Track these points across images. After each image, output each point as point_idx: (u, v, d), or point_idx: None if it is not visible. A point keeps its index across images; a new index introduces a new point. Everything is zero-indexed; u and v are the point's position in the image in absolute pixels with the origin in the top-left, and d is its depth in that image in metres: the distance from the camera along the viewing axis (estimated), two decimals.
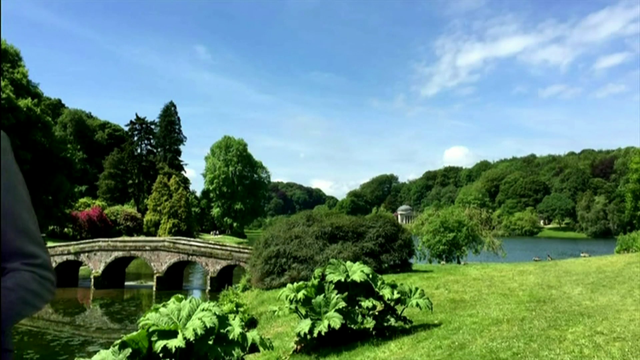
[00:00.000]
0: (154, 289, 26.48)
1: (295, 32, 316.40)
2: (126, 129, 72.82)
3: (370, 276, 6.42)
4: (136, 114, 69.94)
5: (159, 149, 75.53)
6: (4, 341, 1.19)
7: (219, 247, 28.01)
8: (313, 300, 6.20)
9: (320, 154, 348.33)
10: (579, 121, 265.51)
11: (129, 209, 61.09)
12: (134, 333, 4.64)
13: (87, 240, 29.82)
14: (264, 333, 7.52)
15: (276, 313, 6.79)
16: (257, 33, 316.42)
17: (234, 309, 12.40)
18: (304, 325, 6.04)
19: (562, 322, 5.82)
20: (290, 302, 6.38)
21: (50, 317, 20.40)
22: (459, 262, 19.48)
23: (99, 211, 52.54)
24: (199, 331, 4.50)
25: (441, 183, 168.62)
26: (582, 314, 6.19)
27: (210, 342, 4.73)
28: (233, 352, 4.75)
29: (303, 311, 6.33)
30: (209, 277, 26.35)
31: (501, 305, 7.82)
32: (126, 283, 29.06)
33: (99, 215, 51.85)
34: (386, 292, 6.30)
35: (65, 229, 46.51)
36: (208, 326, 4.60)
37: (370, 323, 6.34)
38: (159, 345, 4.42)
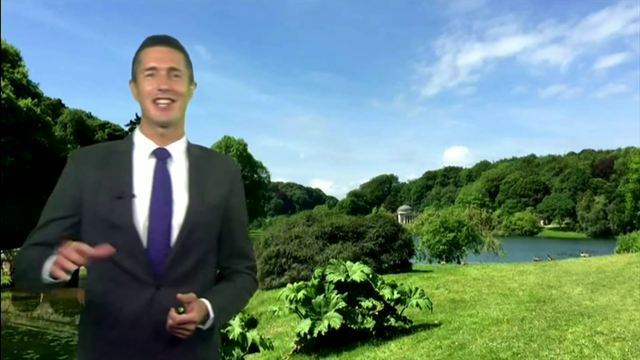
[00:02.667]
0: None
1: (295, 32, 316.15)
2: (126, 129, 72.70)
3: (370, 276, 6.42)
4: (136, 114, 69.76)
5: None
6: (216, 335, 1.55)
7: None
8: (313, 300, 6.20)
9: (320, 154, 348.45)
10: (579, 121, 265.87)
11: None
12: None
13: None
14: (264, 333, 7.52)
15: (276, 313, 6.78)
16: (257, 33, 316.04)
17: None
18: (304, 325, 6.04)
19: (562, 322, 5.83)
20: (290, 302, 6.38)
21: (50, 317, 20.39)
22: (459, 262, 19.49)
23: None
24: None
25: (441, 183, 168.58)
26: (582, 314, 6.19)
27: None
28: (233, 352, 4.75)
29: (303, 311, 6.33)
30: None
31: (501, 305, 7.82)
32: None
33: None
34: (386, 292, 6.30)
35: None
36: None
37: (370, 323, 6.34)
38: None
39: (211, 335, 1.51)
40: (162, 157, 1.47)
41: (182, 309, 1.33)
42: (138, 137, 1.51)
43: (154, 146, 1.48)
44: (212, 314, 1.41)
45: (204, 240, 1.46)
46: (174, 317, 1.31)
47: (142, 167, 1.45)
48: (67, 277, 1.22)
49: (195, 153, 1.54)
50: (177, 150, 1.50)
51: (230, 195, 1.55)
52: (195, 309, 1.33)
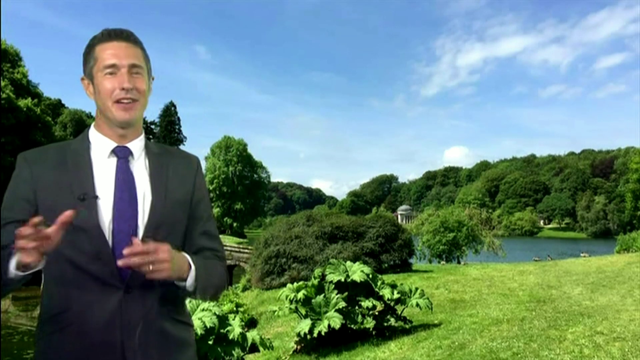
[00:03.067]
0: None
1: (295, 32, 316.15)
2: None
3: (370, 276, 6.42)
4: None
5: None
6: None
7: None
8: (313, 300, 6.19)
9: (320, 154, 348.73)
10: (579, 121, 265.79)
11: None
12: None
13: None
14: (264, 333, 7.52)
15: (276, 313, 6.79)
16: (257, 33, 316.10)
17: (234, 309, 12.39)
18: (304, 325, 6.04)
19: (562, 322, 5.82)
20: (290, 302, 6.38)
21: None
22: (459, 262, 19.48)
23: None
24: (199, 331, 4.50)
25: (441, 183, 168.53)
26: (582, 314, 6.19)
27: (210, 342, 4.74)
28: (233, 352, 4.75)
29: (303, 311, 6.33)
30: None
31: (501, 305, 7.82)
32: None
33: None
34: (386, 292, 6.30)
35: None
36: (208, 326, 4.61)
37: (370, 323, 6.34)
38: None
39: (188, 337, 1.46)
40: (122, 155, 1.42)
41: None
42: (94, 135, 1.44)
43: (113, 144, 1.42)
44: (192, 265, 1.33)
45: (170, 239, 1.37)
46: (133, 249, 1.19)
47: (102, 166, 1.40)
48: (37, 261, 1.13)
49: (154, 150, 1.51)
50: (137, 147, 1.45)
51: (195, 191, 1.52)
52: (169, 249, 1.25)
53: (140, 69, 1.41)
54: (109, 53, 1.38)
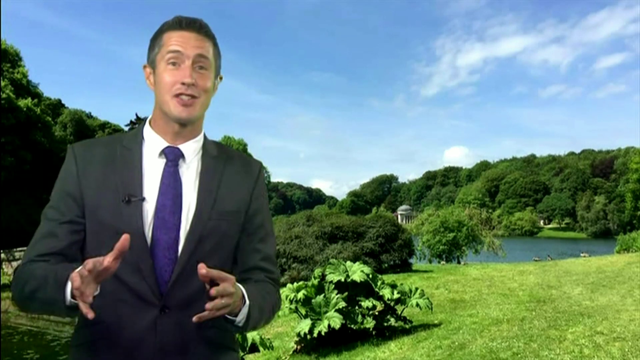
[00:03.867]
0: None
1: (295, 32, 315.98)
2: (126, 129, 72.67)
3: (370, 276, 6.42)
4: (136, 114, 69.46)
5: None
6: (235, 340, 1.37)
7: None
8: (313, 300, 6.19)
9: (320, 154, 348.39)
10: (579, 121, 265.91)
11: None
12: None
13: None
14: (264, 333, 7.51)
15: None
16: (257, 33, 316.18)
17: None
18: (304, 325, 6.04)
19: (562, 322, 5.83)
20: (290, 302, 6.38)
21: (50, 317, 20.39)
22: (459, 262, 19.49)
23: None
24: None
25: (441, 183, 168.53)
26: (582, 314, 6.19)
27: None
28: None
29: (303, 311, 6.33)
30: None
31: (501, 305, 7.82)
32: None
33: None
34: (386, 292, 6.30)
35: None
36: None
37: (370, 323, 6.34)
38: None
39: (234, 344, 1.34)
40: (172, 157, 1.28)
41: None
42: (148, 132, 1.32)
43: (165, 144, 1.29)
44: (247, 300, 1.17)
45: (216, 252, 1.26)
46: (207, 272, 1.04)
47: (151, 167, 1.27)
48: (95, 290, 1.03)
49: (212, 153, 1.36)
50: (191, 150, 1.31)
51: (252, 200, 1.36)
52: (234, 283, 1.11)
53: (207, 64, 1.27)
54: (176, 40, 1.25)
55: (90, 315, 0.99)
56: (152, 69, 1.30)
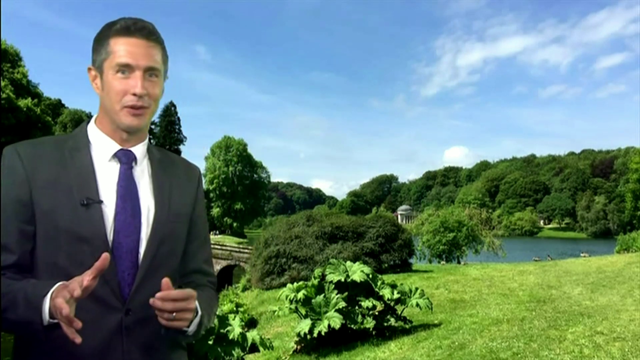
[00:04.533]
0: None
1: (295, 32, 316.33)
2: None
3: (370, 276, 6.42)
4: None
5: None
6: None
7: (219, 247, 28.01)
8: (313, 300, 6.19)
9: (320, 154, 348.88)
10: (579, 121, 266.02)
11: None
12: None
13: None
14: (264, 333, 7.52)
15: (276, 313, 6.79)
16: (257, 33, 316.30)
17: (234, 309, 12.40)
18: (304, 325, 6.04)
19: (562, 322, 5.83)
20: (290, 302, 6.38)
21: None
22: (459, 262, 19.48)
23: None
24: None
25: (441, 183, 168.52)
26: (582, 314, 6.19)
27: (210, 342, 4.74)
28: (233, 352, 4.75)
29: (303, 311, 6.33)
30: None
31: (501, 305, 7.82)
32: None
33: None
34: (386, 292, 6.30)
35: None
36: (208, 326, 4.60)
37: (370, 323, 6.34)
38: None
39: (181, 343, 1.34)
40: (126, 161, 1.26)
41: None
42: (95, 133, 1.27)
43: (116, 147, 1.26)
44: (199, 310, 1.21)
45: (173, 255, 1.29)
46: (171, 294, 1.09)
47: (103, 170, 1.23)
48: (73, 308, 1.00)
49: (156, 156, 1.35)
50: (140, 152, 1.30)
51: (196, 203, 1.39)
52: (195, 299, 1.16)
53: (157, 72, 1.24)
54: (125, 50, 1.20)
55: (78, 340, 0.97)
56: (98, 72, 1.25)
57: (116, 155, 1.26)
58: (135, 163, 1.28)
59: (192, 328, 1.20)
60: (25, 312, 1.05)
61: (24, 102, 32.60)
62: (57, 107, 53.62)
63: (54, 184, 1.17)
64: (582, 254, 18.54)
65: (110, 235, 1.18)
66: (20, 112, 32.05)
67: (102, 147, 1.26)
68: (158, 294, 1.09)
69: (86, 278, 0.99)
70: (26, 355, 1.17)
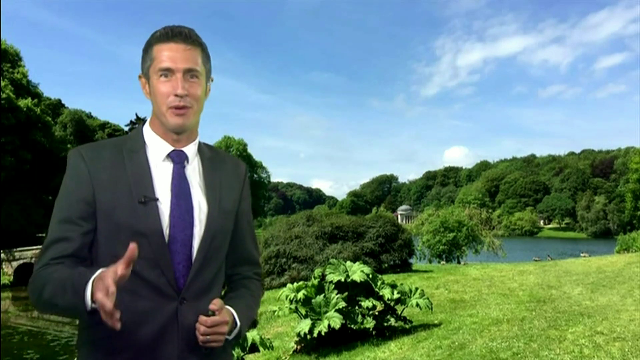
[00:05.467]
0: None
1: (295, 32, 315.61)
2: (126, 129, 72.50)
3: (370, 276, 6.42)
4: (136, 114, 69.48)
5: None
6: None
7: None
8: (313, 300, 6.19)
9: (320, 154, 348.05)
10: (579, 121, 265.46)
11: None
12: None
13: None
14: (264, 333, 7.51)
15: (276, 313, 6.78)
16: (257, 33, 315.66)
17: None
18: (304, 325, 6.04)
19: (562, 322, 5.83)
20: (290, 302, 6.38)
21: (50, 317, 20.39)
22: (459, 262, 19.50)
23: None
24: None
25: (441, 183, 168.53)
26: (582, 314, 6.20)
27: None
28: (233, 352, 4.75)
29: (303, 311, 6.33)
30: None
31: (501, 305, 7.82)
32: None
33: None
34: (386, 292, 6.30)
35: None
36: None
37: (370, 323, 6.34)
38: None
39: (230, 346, 1.45)
40: (179, 160, 1.36)
41: (211, 314, 1.27)
42: (149, 135, 1.38)
43: (169, 148, 1.36)
44: (238, 322, 1.34)
45: (222, 249, 1.40)
46: (205, 320, 1.24)
47: (158, 169, 1.34)
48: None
49: (206, 154, 1.45)
50: (192, 152, 1.40)
51: (241, 199, 1.48)
52: (224, 314, 1.27)
53: (197, 73, 1.33)
54: (166, 55, 1.30)
55: (118, 326, 1.06)
56: (146, 79, 1.37)
57: (169, 156, 1.36)
58: (187, 162, 1.38)
59: (231, 337, 1.34)
60: (72, 298, 1.15)
61: (24, 102, 32.58)
62: (57, 107, 53.54)
63: (114, 184, 1.28)
64: (582, 254, 18.56)
65: (166, 231, 1.28)
66: (20, 112, 32.04)
67: (156, 148, 1.37)
68: (198, 323, 1.25)
69: (120, 267, 1.06)
70: (87, 339, 1.29)
